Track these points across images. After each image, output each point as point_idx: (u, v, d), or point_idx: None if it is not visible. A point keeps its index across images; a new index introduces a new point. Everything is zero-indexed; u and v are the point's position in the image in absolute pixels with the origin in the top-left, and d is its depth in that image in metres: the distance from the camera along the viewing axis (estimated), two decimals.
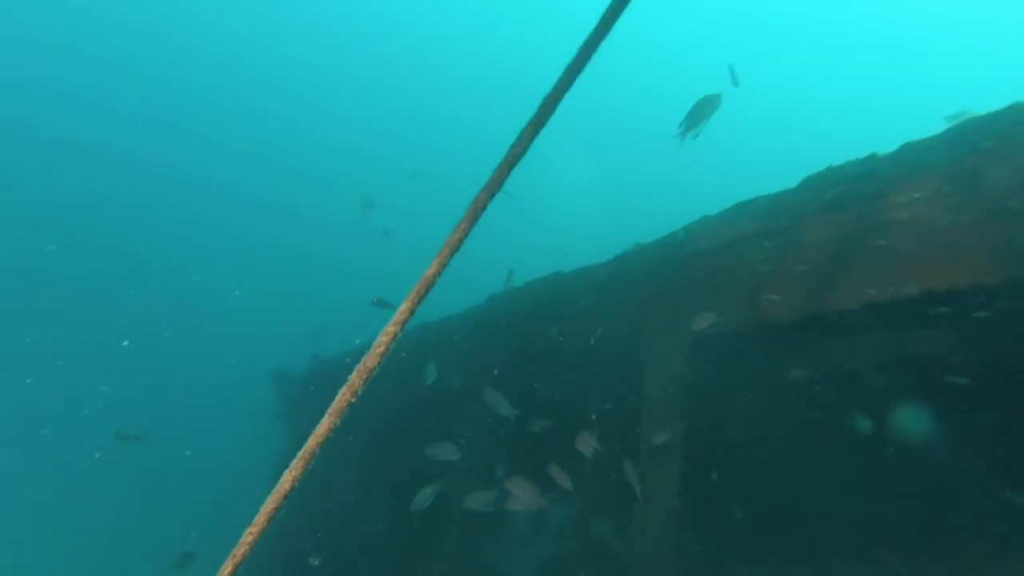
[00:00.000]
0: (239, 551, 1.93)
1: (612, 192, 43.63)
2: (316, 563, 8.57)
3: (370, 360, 2.03)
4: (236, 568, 1.93)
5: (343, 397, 2.02)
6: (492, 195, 2.13)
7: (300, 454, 2.00)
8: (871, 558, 5.84)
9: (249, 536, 1.93)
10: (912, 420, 6.42)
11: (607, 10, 2.19)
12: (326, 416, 2.02)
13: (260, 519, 1.94)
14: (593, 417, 7.02)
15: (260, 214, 44.60)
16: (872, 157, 5.80)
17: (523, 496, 5.49)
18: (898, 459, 6.29)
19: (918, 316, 6.05)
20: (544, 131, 2.22)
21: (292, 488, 2.00)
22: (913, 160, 5.50)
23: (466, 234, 2.11)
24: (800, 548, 6.13)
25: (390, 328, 2.05)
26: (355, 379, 2.02)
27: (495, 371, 8.13)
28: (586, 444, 5.58)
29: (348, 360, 11.59)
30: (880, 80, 46.78)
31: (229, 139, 45.58)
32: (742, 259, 6.54)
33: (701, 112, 5.80)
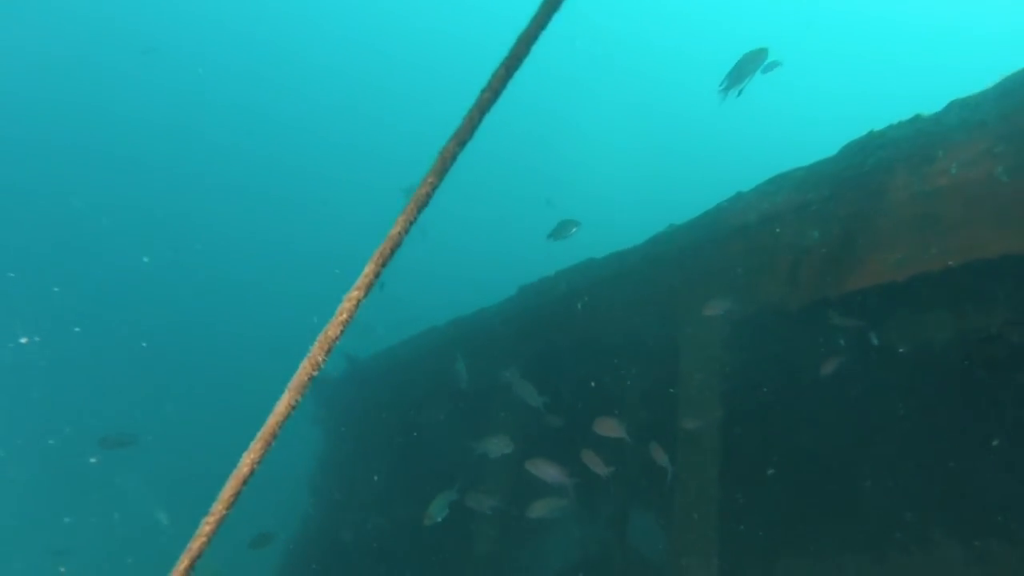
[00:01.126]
0: (196, 543, 1.76)
1: (648, 176, 42.97)
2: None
3: (332, 329, 1.85)
4: (193, 562, 1.77)
5: (304, 371, 1.84)
6: (462, 144, 1.94)
7: (260, 435, 1.82)
8: (928, 545, 5.45)
9: (207, 526, 1.76)
10: (965, 403, 5.99)
11: None
12: (286, 392, 1.84)
13: (218, 507, 1.77)
14: (629, 404, 6.77)
15: (297, 212, 44.91)
16: (917, 118, 5.41)
17: (545, 475, 5.27)
18: (951, 443, 5.89)
19: (970, 289, 5.65)
20: (519, 73, 2.02)
21: (251, 473, 1.83)
22: (962, 118, 5.10)
23: (434, 188, 1.92)
24: (852, 537, 5.77)
25: (353, 293, 1.87)
26: (316, 351, 1.84)
27: (529, 365, 7.93)
28: (607, 429, 5.32)
29: (383, 359, 11.55)
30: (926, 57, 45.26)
31: (263, 139, 46.11)
32: (779, 235, 6.20)
33: (745, 67, 5.44)
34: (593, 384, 7.48)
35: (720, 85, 5.55)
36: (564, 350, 7.90)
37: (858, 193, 5.63)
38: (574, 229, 7.47)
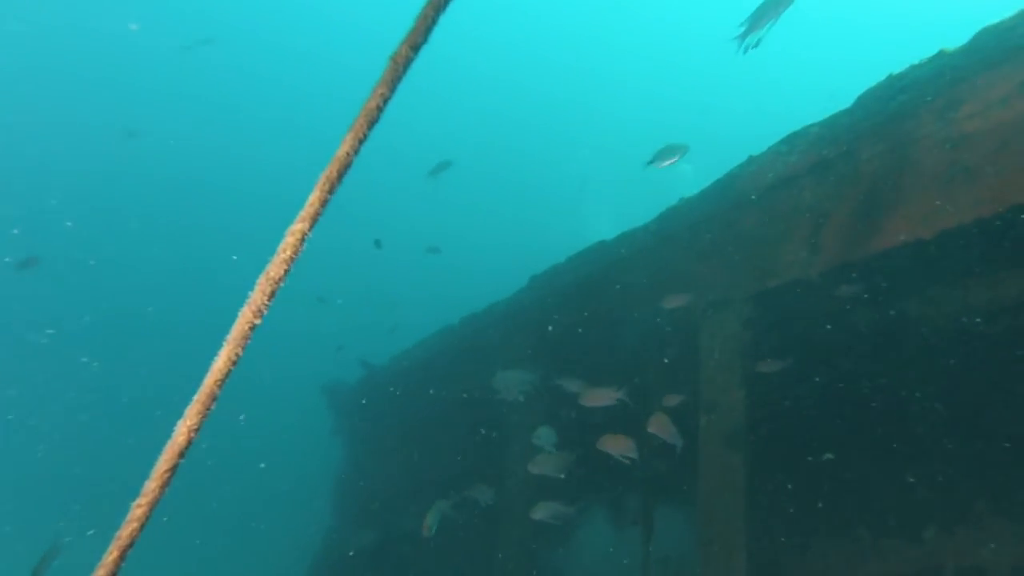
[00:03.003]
0: (126, 531, 1.49)
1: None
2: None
3: (275, 269, 1.57)
4: (124, 552, 1.49)
5: (244, 319, 1.57)
6: (416, 48, 1.67)
7: (196, 397, 1.55)
8: (974, 522, 5.07)
9: (139, 510, 1.49)
10: (1006, 374, 5.59)
11: None
12: (225, 345, 1.56)
13: (152, 486, 1.50)
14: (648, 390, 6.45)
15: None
16: (940, 55, 5.02)
17: (549, 464, 5.00)
18: (992, 415, 5.50)
19: (1006, 246, 5.26)
20: None
21: (189, 443, 1.55)
22: (992, 47, 4.69)
23: (386, 100, 1.65)
24: (887, 519, 5.40)
25: (297, 226, 1.60)
26: (258, 295, 1.56)
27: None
28: (597, 398, 5.01)
29: (402, 363, 11.30)
30: None
31: (295, 143, 45.42)
32: (796, 199, 5.87)
33: (767, 11, 4.77)
34: (610, 371, 7.17)
35: (739, 29, 4.95)
36: (579, 339, 7.61)
37: (878, 144, 5.28)
38: (677, 155, 6.01)
